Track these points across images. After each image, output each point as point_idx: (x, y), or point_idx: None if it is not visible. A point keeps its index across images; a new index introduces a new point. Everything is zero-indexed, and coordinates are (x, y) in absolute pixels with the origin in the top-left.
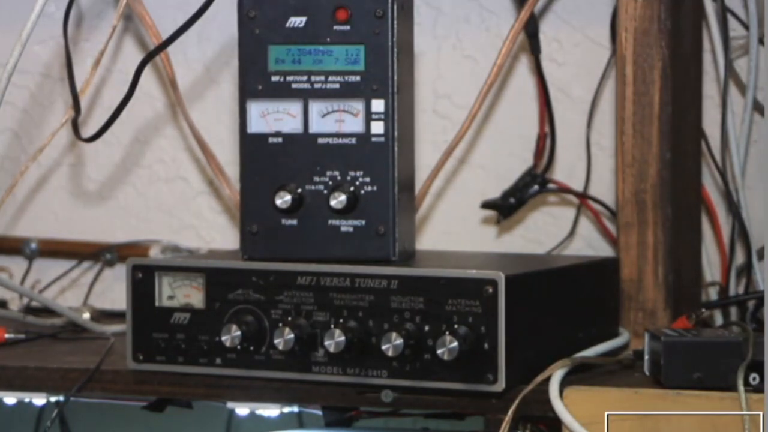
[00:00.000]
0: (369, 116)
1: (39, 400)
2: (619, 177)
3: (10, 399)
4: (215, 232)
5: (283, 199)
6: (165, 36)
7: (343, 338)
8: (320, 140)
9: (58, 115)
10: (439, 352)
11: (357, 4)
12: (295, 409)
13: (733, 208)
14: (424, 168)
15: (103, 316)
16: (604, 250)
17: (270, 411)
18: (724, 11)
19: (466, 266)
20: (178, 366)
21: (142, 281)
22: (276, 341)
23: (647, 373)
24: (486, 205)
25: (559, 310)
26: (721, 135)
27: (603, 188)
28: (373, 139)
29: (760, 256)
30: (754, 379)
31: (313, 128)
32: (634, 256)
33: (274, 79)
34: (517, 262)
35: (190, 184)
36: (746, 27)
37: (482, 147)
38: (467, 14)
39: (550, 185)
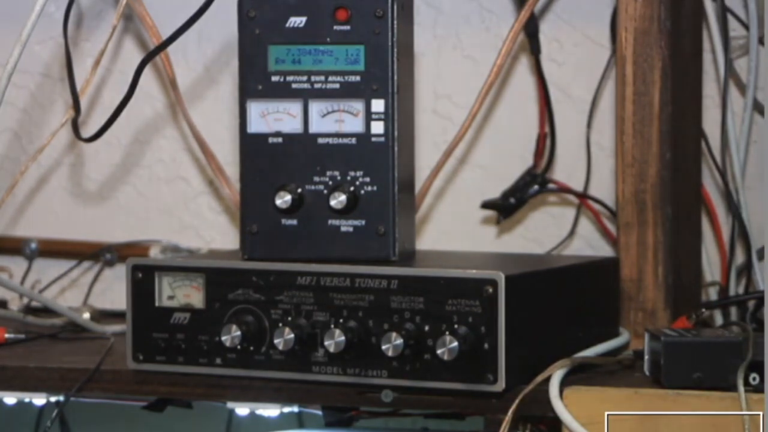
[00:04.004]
0: (369, 116)
1: (39, 400)
2: (619, 177)
3: (10, 399)
4: (215, 232)
5: (283, 199)
6: (165, 36)
7: (343, 338)
8: (320, 140)
9: (58, 115)
10: (439, 352)
11: (357, 4)
12: (295, 409)
13: (733, 208)
14: (424, 168)
15: (103, 316)
16: (604, 250)
17: (270, 411)
18: (724, 11)
19: (466, 266)
20: (178, 366)
21: (142, 281)
22: (276, 341)
23: (647, 373)
24: (486, 205)
25: (559, 310)
26: (721, 135)
27: (603, 188)
28: (373, 139)
29: (760, 256)
30: (754, 379)
31: (313, 128)
32: (634, 256)
33: (274, 79)
34: (517, 262)
35: (190, 184)
36: (746, 27)
37: (482, 147)
38: (467, 14)
39: (550, 185)
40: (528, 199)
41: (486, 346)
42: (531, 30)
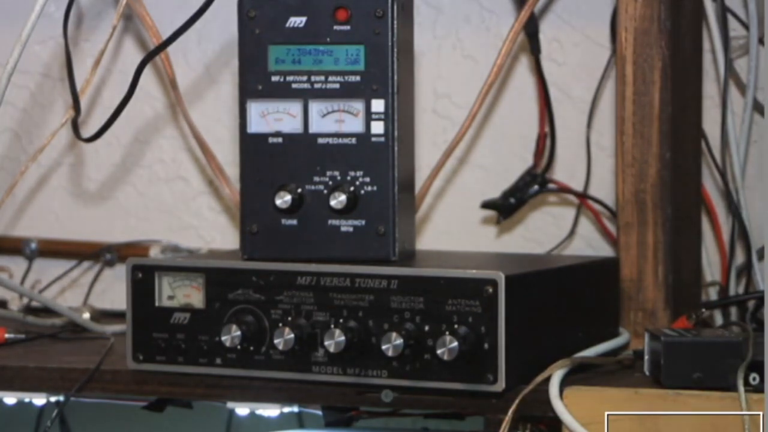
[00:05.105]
0: (369, 116)
1: (39, 400)
2: (619, 177)
3: (10, 399)
4: (215, 232)
5: (283, 199)
6: (165, 36)
7: (343, 338)
8: (320, 140)
9: (58, 115)
10: (439, 352)
11: (357, 4)
12: (295, 409)
13: (733, 208)
14: (424, 168)
15: (103, 316)
16: (604, 250)
17: (270, 411)
18: (724, 11)
19: (466, 266)
20: (178, 366)
21: (142, 281)
22: (276, 341)
23: (647, 373)
24: (486, 205)
25: (559, 310)
26: (721, 135)
27: (603, 188)
28: (373, 139)
29: (760, 256)
30: (754, 379)
31: (313, 128)
32: (634, 256)
33: (274, 79)
34: (517, 262)
35: (190, 184)
36: (746, 27)
37: (482, 147)
38: (467, 14)
39: (550, 185)
40: (528, 199)
41: (486, 346)
42: (531, 30)
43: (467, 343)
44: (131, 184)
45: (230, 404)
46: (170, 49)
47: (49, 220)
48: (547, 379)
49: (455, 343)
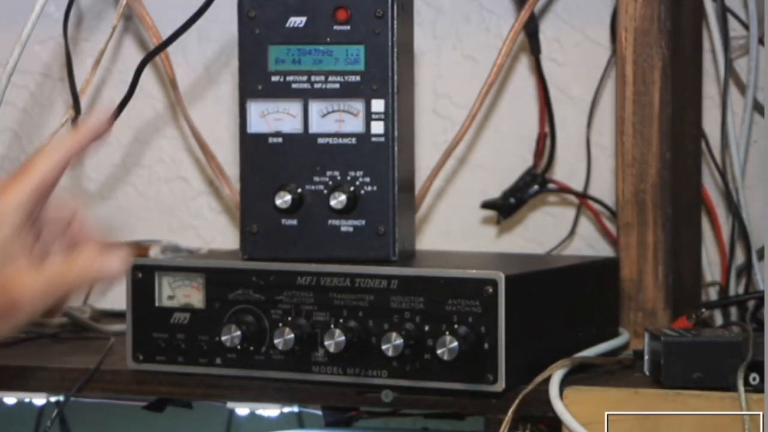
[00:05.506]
0: (369, 116)
1: (39, 400)
2: (619, 177)
3: (10, 399)
4: (215, 232)
5: (283, 199)
6: (165, 36)
7: (343, 338)
8: (320, 140)
9: (58, 115)
10: (439, 352)
11: (357, 4)
12: (295, 409)
13: (733, 208)
14: (424, 168)
15: (103, 316)
16: (604, 250)
17: (270, 411)
18: (724, 11)
19: (466, 266)
20: (178, 366)
21: (142, 281)
22: (276, 341)
23: (647, 373)
24: (486, 205)
25: (559, 310)
26: (721, 135)
27: (603, 188)
28: (373, 139)
29: (760, 256)
30: (754, 379)
31: (313, 128)
32: (634, 256)
33: (274, 79)
34: (517, 262)
35: (190, 184)
36: (746, 27)
37: (482, 147)
38: (467, 14)
39: (550, 185)
40: (528, 199)
41: (486, 346)
42: (531, 30)
43: (467, 343)
44: (131, 184)
45: (230, 404)
46: (170, 49)
47: None
48: (547, 379)
49: (455, 343)
